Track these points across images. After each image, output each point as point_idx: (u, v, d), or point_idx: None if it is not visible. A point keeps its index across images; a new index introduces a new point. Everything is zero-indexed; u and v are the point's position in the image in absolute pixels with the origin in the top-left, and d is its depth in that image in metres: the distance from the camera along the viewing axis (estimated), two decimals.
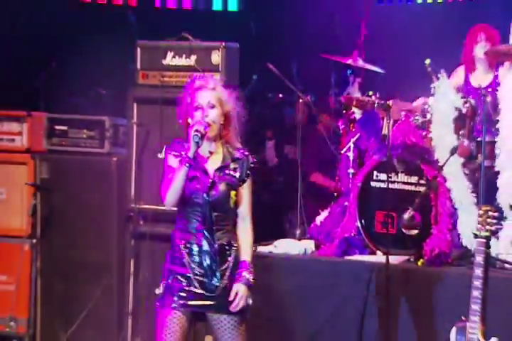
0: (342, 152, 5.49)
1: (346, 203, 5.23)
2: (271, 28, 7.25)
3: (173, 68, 5.13)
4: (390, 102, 4.93)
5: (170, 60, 5.18)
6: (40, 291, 5.56)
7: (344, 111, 5.58)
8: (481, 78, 5.18)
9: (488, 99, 4.79)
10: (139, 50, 5.29)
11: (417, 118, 4.96)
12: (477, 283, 3.80)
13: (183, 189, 3.57)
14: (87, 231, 5.42)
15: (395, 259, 4.76)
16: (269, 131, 6.50)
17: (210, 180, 3.63)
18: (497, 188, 4.74)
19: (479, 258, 3.81)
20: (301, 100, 5.59)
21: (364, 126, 5.42)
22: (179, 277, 3.64)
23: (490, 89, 5.01)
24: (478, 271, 3.80)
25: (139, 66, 5.27)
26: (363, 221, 5.09)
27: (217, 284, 3.63)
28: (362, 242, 5.10)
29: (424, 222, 4.83)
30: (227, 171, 3.67)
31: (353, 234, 5.12)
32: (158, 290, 3.69)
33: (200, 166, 3.64)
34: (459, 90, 5.02)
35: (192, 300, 3.63)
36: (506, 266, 4.65)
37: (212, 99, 3.64)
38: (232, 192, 3.66)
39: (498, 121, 4.80)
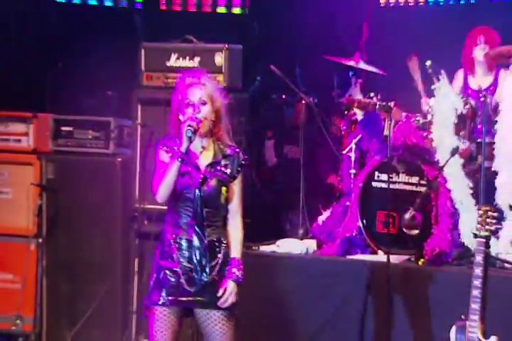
0: (344, 152, 5.53)
1: (348, 203, 5.26)
2: (274, 30, 7.28)
3: (176, 70, 5.18)
4: (391, 104, 4.97)
5: (174, 61, 5.23)
6: (45, 290, 5.60)
7: (346, 112, 5.63)
8: (480, 80, 5.21)
9: (489, 100, 4.83)
10: (143, 51, 5.34)
11: (417, 119, 5.00)
12: (477, 282, 3.82)
13: (175, 184, 3.56)
14: (92, 231, 5.45)
15: (395, 259, 4.80)
16: (269, 130, 6.53)
17: (202, 176, 3.62)
18: (495, 188, 4.77)
19: (479, 258, 3.84)
20: (303, 101, 5.63)
21: (366, 127, 5.46)
22: (168, 272, 3.61)
23: (490, 92, 5.04)
24: (478, 271, 3.83)
25: (143, 68, 5.32)
26: (364, 221, 5.12)
27: (206, 280, 3.61)
28: (363, 242, 5.13)
29: (424, 222, 4.86)
30: (218, 167, 3.66)
31: (354, 234, 5.16)
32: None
33: (192, 162, 3.63)
34: (459, 93, 5.07)
35: (181, 296, 3.62)
36: (506, 265, 4.68)
37: (204, 95, 3.64)
38: (223, 189, 3.65)
39: (497, 121, 4.84)
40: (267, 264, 4.98)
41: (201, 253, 3.61)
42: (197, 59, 5.18)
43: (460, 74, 5.31)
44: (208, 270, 3.62)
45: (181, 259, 3.62)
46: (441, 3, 7.19)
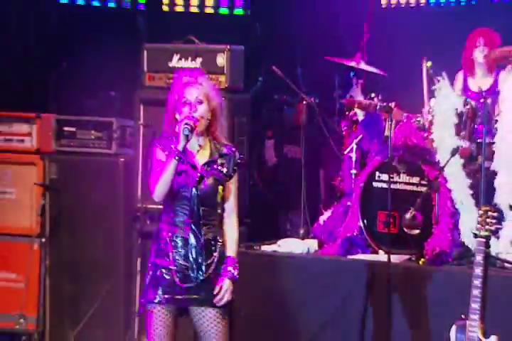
0: (345, 153, 5.55)
1: (349, 203, 5.27)
2: (276, 31, 7.30)
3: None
4: (392, 104, 4.99)
5: (176, 62, 5.26)
6: (48, 289, 5.62)
7: (347, 113, 5.65)
8: (480, 82, 5.21)
9: (489, 100, 4.85)
10: (145, 52, 5.37)
11: (418, 119, 5.03)
12: (477, 282, 3.83)
13: (172, 183, 3.57)
14: (95, 231, 5.48)
15: (396, 258, 4.81)
16: (269, 130, 6.55)
17: (199, 174, 3.63)
18: (495, 188, 4.79)
19: (479, 258, 3.85)
20: (304, 102, 5.65)
21: (366, 128, 5.47)
22: (164, 270, 3.62)
23: (490, 93, 5.05)
24: (478, 270, 3.84)
25: (145, 68, 5.35)
26: (365, 220, 5.13)
27: (202, 278, 3.61)
28: (364, 241, 5.14)
29: (425, 222, 4.86)
30: (215, 166, 3.68)
31: (355, 234, 5.16)
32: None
33: (189, 160, 3.64)
34: (460, 94, 5.09)
35: (177, 295, 3.62)
36: (506, 265, 4.69)
37: (200, 94, 3.65)
38: (220, 187, 3.67)
39: (497, 121, 4.86)
40: (269, 264, 5.00)
41: (197, 252, 3.62)
42: (199, 60, 5.20)
43: (460, 76, 5.33)
44: (203, 268, 3.62)
45: (177, 257, 3.63)
46: (442, 5, 7.21)
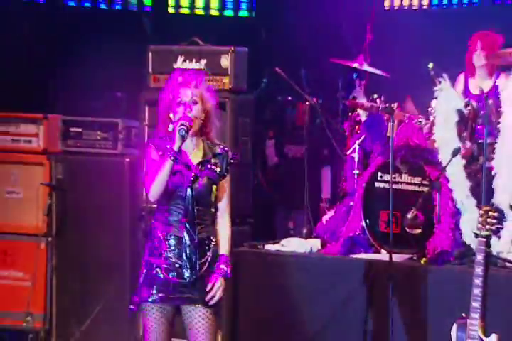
0: (347, 153, 5.58)
1: (351, 203, 5.28)
2: (280, 32, 7.35)
3: None
4: (394, 105, 5.03)
5: (180, 63, 5.29)
6: (55, 288, 5.66)
7: (350, 114, 5.69)
8: (481, 84, 5.24)
9: (490, 101, 4.88)
10: (150, 54, 5.42)
11: (420, 120, 5.07)
12: (477, 281, 3.85)
13: (167, 183, 3.58)
14: (101, 230, 5.51)
15: (398, 258, 4.83)
16: (270, 130, 6.58)
17: (194, 174, 3.64)
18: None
19: (480, 257, 3.86)
20: (307, 103, 5.69)
21: (369, 128, 5.50)
22: (157, 269, 3.63)
23: (490, 95, 5.08)
24: (479, 270, 3.85)
25: (150, 70, 5.40)
26: (367, 220, 5.15)
27: (195, 277, 3.62)
28: (366, 241, 5.15)
29: (427, 222, 4.86)
30: (208, 166, 3.69)
31: (357, 233, 5.17)
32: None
33: (184, 160, 3.65)
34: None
35: (171, 293, 3.62)
36: (507, 264, 4.70)
37: (195, 95, 3.67)
38: (214, 187, 3.68)
39: (499, 123, 4.89)
40: (272, 263, 5.04)
41: (191, 251, 3.62)
42: (203, 61, 5.25)
43: (461, 79, 5.36)
44: (197, 267, 3.63)
45: (171, 256, 3.64)
46: (444, 6, 7.24)
